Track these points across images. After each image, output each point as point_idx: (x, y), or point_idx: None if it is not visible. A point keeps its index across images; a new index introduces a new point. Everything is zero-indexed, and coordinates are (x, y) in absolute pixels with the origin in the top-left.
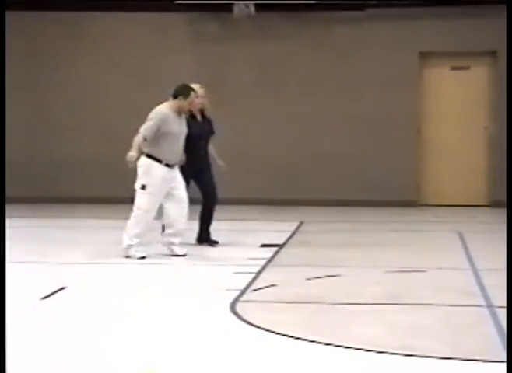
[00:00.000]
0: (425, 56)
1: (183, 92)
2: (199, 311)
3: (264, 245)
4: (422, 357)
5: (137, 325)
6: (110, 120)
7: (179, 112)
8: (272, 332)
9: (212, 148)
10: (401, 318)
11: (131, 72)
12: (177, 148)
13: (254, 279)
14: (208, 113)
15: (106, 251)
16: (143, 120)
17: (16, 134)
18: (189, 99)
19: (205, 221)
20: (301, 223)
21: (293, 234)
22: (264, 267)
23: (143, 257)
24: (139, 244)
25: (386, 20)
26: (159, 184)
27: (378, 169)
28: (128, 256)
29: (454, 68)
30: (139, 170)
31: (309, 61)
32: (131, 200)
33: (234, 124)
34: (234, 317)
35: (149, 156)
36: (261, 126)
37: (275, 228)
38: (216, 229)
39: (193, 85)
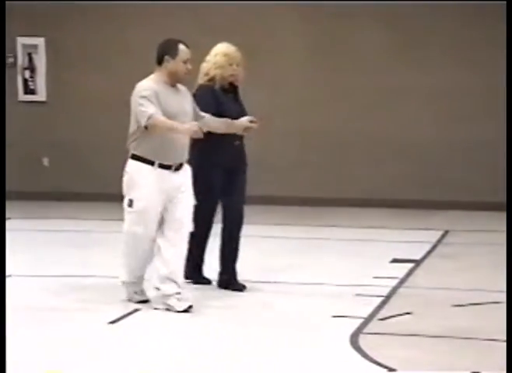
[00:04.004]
0: None
1: (168, 49)
2: (311, 346)
3: (395, 261)
4: None
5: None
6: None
7: (172, 81)
8: None
9: None
10: None
11: None
12: (177, 138)
13: (382, 304)
14: (240, 87)
15: None
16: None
17: None
18: (180, 56)
19: (227, 254)
20: (446, 232)
21: (435, 246)
22: (395, 289)
23: (145, 301)
24: (137, 283)
25: None
26: (151, 197)
27: None
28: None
29: None
30: (124, 180)
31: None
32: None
33: (347, 100)
34: (356, 353)
35: (136, 157)
36: (384, 104)
37: (410, 238)
38: (328, 239)
39: (222, 45)
